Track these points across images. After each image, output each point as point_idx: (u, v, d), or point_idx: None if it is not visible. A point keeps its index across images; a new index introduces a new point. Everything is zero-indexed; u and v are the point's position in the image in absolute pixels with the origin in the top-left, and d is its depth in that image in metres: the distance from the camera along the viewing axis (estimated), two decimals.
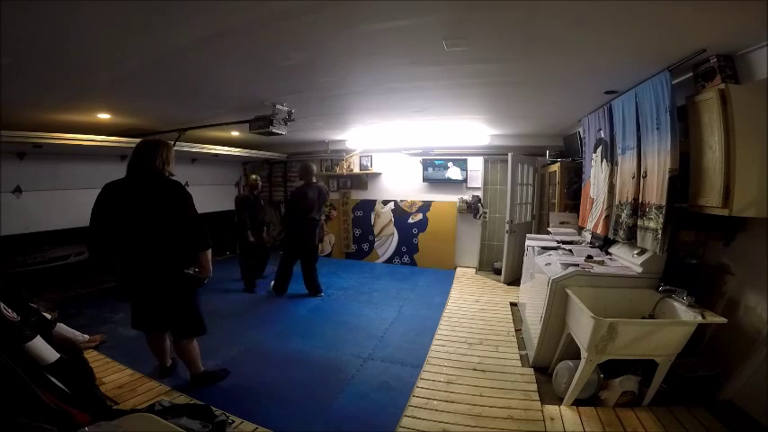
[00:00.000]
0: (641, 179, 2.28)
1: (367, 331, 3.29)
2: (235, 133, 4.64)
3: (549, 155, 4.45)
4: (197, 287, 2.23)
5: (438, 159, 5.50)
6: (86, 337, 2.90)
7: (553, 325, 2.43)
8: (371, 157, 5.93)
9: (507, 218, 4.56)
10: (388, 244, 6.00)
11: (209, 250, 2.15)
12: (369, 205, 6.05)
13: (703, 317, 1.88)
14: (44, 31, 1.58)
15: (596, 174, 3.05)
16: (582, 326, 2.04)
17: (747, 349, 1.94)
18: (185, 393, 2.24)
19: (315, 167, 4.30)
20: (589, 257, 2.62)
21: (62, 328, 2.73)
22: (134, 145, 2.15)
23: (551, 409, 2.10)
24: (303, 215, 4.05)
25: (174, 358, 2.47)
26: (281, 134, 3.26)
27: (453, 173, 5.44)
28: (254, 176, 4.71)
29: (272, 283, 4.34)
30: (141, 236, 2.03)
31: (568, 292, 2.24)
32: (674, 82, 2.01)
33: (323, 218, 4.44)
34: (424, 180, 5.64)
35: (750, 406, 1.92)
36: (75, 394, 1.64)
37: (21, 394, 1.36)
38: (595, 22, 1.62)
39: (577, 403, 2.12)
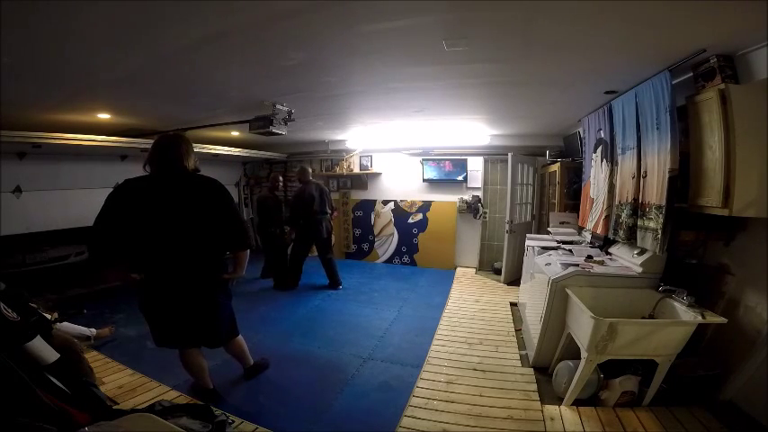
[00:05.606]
0: (641, 179, 2.28)
1: (367, 331, 3.30)
2: (235, 133, 4.63)
3: (549, 155, 4.44)
4: (228, 288, 2.11)
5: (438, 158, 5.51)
6: (94, 331, 2.90)
7: (553, 325, 2.43)
8: (371, 157, 5.93)
9: (507, 218, 4.56)
10: (388, 244, 5.99)
11: (249, 250, 2.04)
12: (369, 205, 6.05)
13: (703, 317, 1.88)
14: (44, 31, 1.58)
15: (596, 174, 3.05)
16: (582, 326, 2.05)
17: (747, 349, 1.94)
18: (185, 393, 2.24)
19: (309, 169, 4.62)
20: (589, 257, 2.62)
21: (67, 325, 2.73)
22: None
23: (551, 409, 2.10)
24: (306, 212, 4.30)
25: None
26: (281, 134, 3.25)
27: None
28: (274, 175, 4.94)
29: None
30: (181, 239, 1.85)
31: (568, 292, 2.24)
32: (674, 82, 2.01)
33: (329, 212, 4.55)
34: (424, 180, 5.63)
35: (750, 406, 1.92)
36: (75, 394, 1.64)
37: (21, 394, 1.35)
38: (595, 23, 1.62)
39: (577, 403, 2.12)
